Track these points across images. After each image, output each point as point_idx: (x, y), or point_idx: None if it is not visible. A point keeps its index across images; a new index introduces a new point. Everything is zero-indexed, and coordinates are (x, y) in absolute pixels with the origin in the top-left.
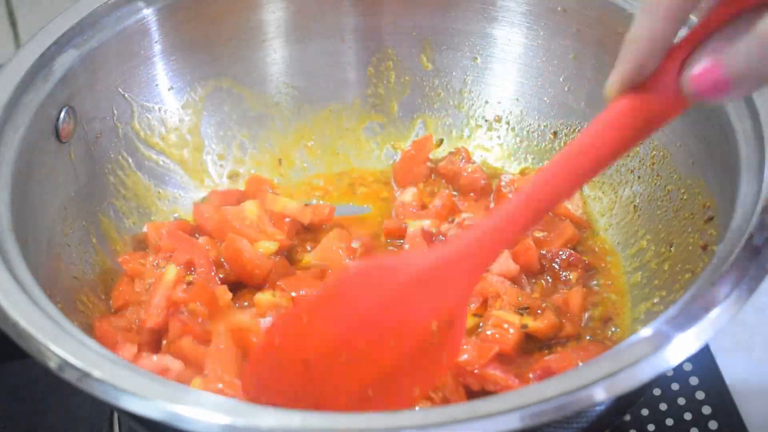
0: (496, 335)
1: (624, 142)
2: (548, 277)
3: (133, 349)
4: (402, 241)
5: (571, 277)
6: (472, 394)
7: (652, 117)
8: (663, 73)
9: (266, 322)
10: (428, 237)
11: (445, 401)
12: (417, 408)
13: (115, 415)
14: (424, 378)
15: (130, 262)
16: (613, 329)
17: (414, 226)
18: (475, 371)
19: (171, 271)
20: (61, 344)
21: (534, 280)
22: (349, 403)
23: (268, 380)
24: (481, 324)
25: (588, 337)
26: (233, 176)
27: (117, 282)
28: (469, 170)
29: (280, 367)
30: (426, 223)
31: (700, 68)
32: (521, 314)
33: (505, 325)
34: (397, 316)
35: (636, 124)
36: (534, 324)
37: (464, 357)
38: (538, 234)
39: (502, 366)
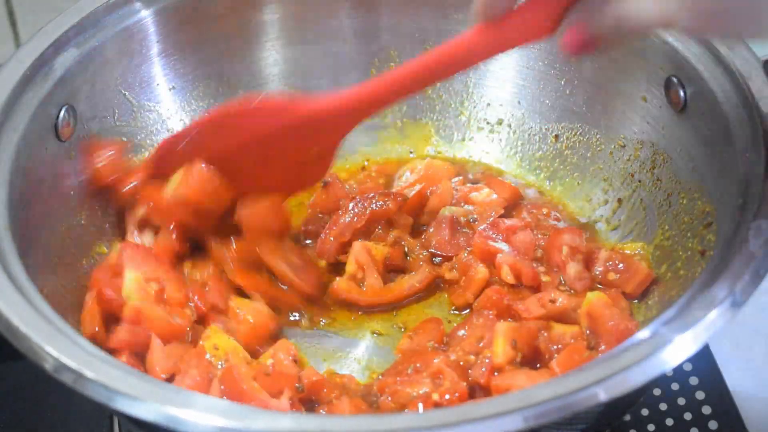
0: None
1: (472, 58)
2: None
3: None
4: None
5: None
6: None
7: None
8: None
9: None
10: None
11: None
12: (414, 412)
13: (115, 416)
14: (293, 185)
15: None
16: None
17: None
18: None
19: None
20: (56, 345)
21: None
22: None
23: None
24: None
25: None
26: None
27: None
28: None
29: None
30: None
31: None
32: None
33: None
34: (283, 140)
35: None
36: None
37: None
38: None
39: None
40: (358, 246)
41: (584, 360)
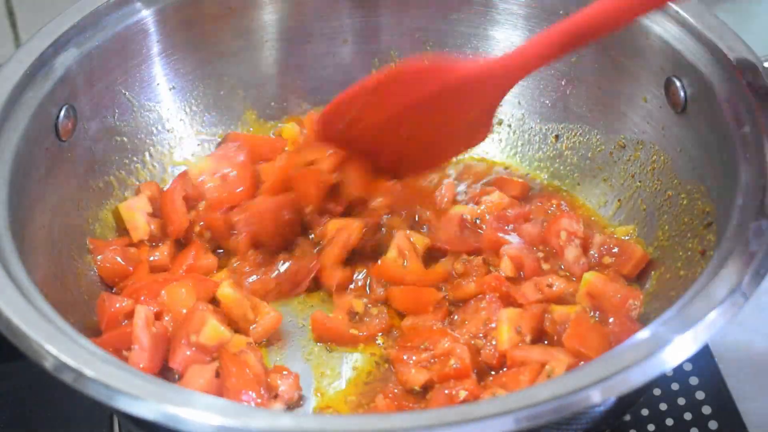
0: None
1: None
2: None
3: None
4: None
5: None
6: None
7: None
8: None
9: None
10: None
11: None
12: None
13: (115, 415)
14: (457, 145)
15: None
16: None
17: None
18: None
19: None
20: (56, 344)
21: None
22: (397, 157)
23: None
24: None
25: None
26: None
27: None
28: None
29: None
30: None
31: None
32: None
33: None
34: (448, 102)
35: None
36: None
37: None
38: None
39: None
40: (400, 235)
41: (593, 328)
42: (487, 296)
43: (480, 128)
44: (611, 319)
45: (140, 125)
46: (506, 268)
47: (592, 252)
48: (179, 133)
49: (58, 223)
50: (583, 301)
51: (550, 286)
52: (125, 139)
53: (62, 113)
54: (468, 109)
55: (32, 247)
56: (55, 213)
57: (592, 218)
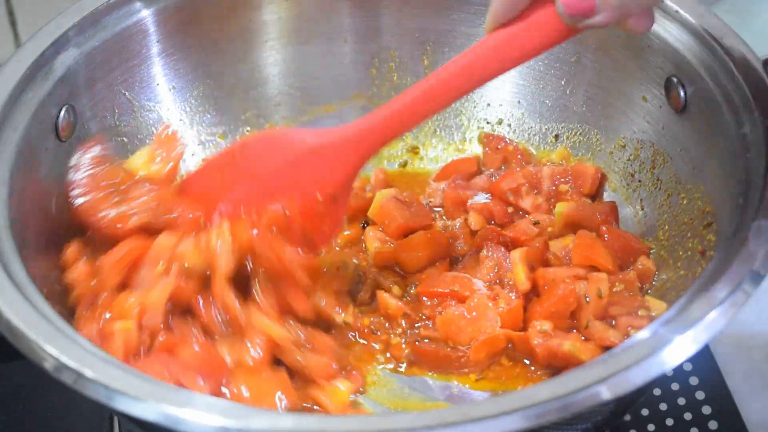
0: None
1: (500, 66)
2: None
3: None
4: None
5: None
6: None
7: (527, 43)
8: (536, 9)
9: None
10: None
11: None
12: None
13: (115, 416)
14: (310, 241)
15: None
16: None
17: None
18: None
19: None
20: (56, 344)
21: None
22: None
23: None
24: None
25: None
26: None
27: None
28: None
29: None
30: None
31: None
32: None
33: None
34: (290, 179)
35: (512, 51)
36: None
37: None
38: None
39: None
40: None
41: (595, 242)
42: (486, 245)
43: (334, 215)
44: (603, 228)
45: (140, 125)
46: (476, 221)
47: (546, 186)
48: (179, 133)
49: (58, 224)
50: (567, 232)
51: (537, 223)
52: (125, 139)
53: (62, 113)
54: (321, 182)
55: (32, 247)
56: (55, 213)
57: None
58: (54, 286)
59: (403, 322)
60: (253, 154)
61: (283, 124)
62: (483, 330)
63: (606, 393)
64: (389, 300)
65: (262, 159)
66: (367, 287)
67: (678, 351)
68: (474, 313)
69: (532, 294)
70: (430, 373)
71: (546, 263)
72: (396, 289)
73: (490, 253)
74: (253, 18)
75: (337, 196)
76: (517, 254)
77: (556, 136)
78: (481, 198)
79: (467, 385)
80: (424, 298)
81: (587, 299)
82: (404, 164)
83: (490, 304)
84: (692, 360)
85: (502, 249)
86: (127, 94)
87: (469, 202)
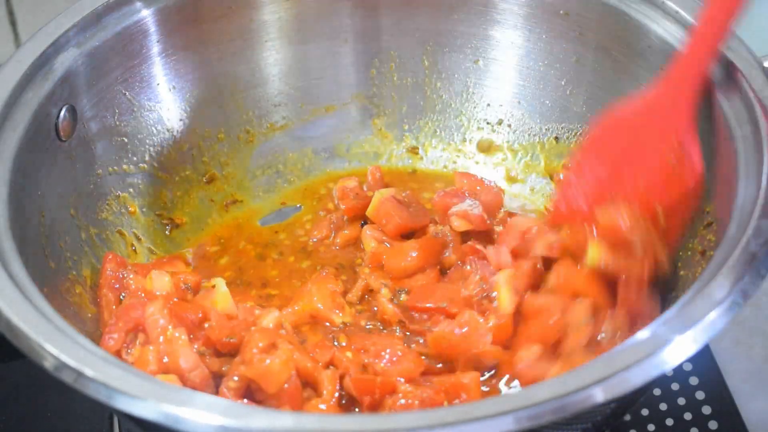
0: None
1: None
2: None
3: None
4: None
5: None
6: None
7: None
8: None
9: None
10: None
11: None
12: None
13: (115, 415)
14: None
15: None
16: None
17: None
18: None
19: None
20: (56, 343)
21: None
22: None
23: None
24: None
25: None
26: None
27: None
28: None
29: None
30: None
31: None
32: None
33: None
34: (638, 149)
35: None
36: None
37: None
38: None
39: None
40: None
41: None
42: (469, 260)
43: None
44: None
45: (140, 125)
46: (455, 221)
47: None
48: (179, 133)
49: (58, 223)
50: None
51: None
52: (125, 139)
53: (62, 113)
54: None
55: (32, 247)
56: (56, 213)
57: None
58: (54, 285)
59: (398, 330)
60: (603, 146)
61: (283, 124)
62: (475, 346)
63: (606, 393)
64: (386, 305)
65: (611, 146)
66: (358, 287)
67: (678, 351)
68: (465, 329)
69: (518, 316)
70: None
71: (535, 286)
72: (386, 292)
73: (475, 268)
74: (253, 18)
75: (684, 147)
76: (502, 277)
77: (557, 138)
78: (462, 204)
79: None
80: (413, 313)
81: (574, 328)
82: (404, 164)
83: (481, 320)
84: (692, 360)
85: (488, 264)
86: (127, 94)
87: (451, 210)
